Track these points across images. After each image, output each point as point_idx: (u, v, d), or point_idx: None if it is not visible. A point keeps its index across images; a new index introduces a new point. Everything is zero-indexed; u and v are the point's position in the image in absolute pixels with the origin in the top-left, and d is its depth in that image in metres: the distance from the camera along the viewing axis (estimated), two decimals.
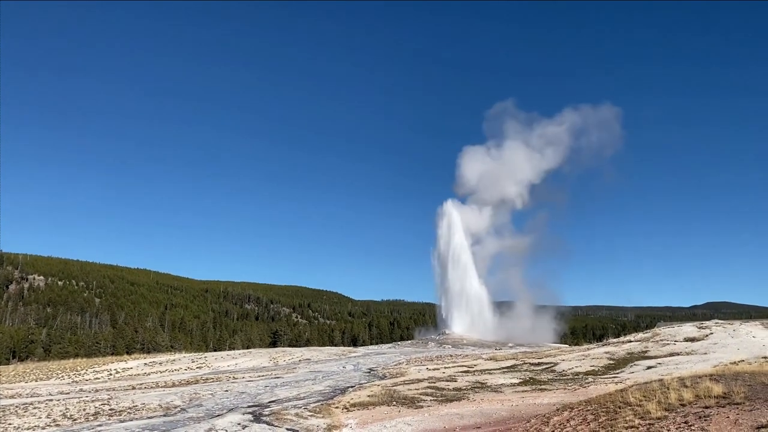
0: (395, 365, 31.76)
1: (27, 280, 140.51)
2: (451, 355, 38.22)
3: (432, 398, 18.02)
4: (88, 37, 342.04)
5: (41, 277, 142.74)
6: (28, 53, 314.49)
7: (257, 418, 15.57)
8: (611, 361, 26.80)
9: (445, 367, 28.69)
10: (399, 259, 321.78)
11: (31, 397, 24.01)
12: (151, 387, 26.29)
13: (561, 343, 62.03)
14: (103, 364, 44.40)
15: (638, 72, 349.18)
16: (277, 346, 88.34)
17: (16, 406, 19.39)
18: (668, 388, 10.10)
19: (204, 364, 39.67)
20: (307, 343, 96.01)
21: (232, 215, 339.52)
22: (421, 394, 18.81)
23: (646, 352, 28.34)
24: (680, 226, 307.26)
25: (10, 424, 15.97)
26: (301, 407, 17.12)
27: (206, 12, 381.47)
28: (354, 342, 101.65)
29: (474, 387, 20.67)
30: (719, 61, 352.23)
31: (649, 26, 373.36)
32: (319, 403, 17.79)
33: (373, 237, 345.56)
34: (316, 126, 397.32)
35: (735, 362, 21.31)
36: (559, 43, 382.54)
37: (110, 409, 18.18)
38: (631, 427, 8.73)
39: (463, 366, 29.02)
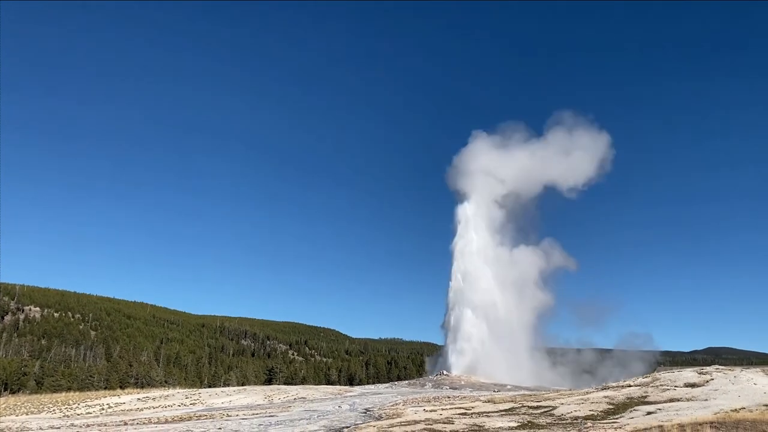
0: (392, 406, 31.33)
1: (23, 311, 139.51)
2: (448, 396, 37.74)
3: None
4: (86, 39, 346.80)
5: (37, 309, 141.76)
6: (27, 63, 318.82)
7: None
8: (610, 406, 26.43)
9: (443, 409, 28.30)
10: (397, 298, 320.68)
11: (21, 431, 23.67)
12: (144, 423, 25.92)
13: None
14: (96, 399, 43.78)
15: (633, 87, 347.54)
16: (272, 384, 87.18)
17: None
18: None
19: (198, 401, 39.15)
20: (303, 381, 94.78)
21: (230, 249, 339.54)
22: None
23: (645, 397, 27.98)
24: (680, 269, 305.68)
25: None
26: None
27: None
28: (350, 381, 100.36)
29: (471, 430, 20.37)
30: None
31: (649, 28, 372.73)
32: None
33: (372, 274, 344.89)
34: (312, 158, 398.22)
35: (736, 409, 21.08)
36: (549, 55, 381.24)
37: None
38: None
39: (460, 408, 28.62)
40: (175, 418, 27.45)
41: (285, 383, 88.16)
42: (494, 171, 73.04)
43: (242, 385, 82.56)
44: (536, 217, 77.07)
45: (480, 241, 70.38)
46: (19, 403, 43.52)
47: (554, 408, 26.85)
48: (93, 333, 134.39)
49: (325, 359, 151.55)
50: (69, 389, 71.78)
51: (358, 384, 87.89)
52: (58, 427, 24.78)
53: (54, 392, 66.19)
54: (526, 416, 24.37)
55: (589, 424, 20.65)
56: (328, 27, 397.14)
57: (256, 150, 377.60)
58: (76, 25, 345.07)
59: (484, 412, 26.37)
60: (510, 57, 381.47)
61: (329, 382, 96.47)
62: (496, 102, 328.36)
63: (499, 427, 20.94)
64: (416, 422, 22.48)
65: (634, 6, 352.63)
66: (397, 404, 32.24)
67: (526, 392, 41.53)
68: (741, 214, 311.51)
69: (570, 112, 79.35)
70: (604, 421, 22.07)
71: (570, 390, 41.81)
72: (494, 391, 43.74)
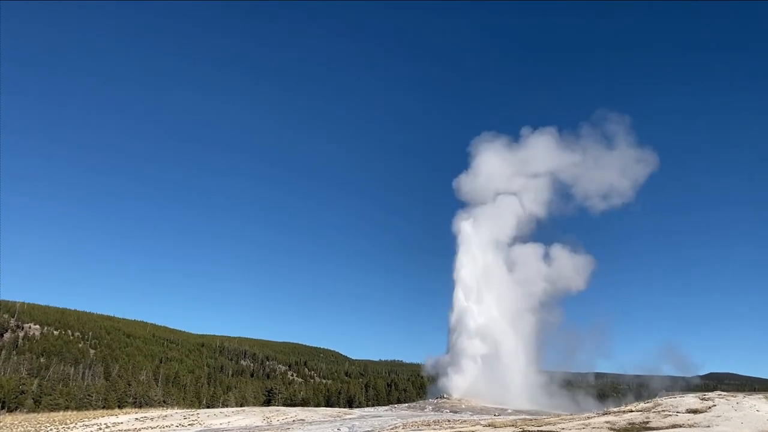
0: (391, 428, 31.08)
1: (23, 328, 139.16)
2: (448, 420, 37.39)
3: None
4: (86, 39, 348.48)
5: (37, 326, 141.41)
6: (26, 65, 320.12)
7: None
8: (611, 431, 26.20)
9: None
10: (398, 319, 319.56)
11: None
12: None
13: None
14: (93, 418, 43.50)
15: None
16: (271, 405, 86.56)
17: None
18: None
19: (196, 421, 38.86)
20: (303, 403, 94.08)
21: (230, 268, 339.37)
22: None
23: (647, 422, 27.73)
24: (683, 293, 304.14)
25: None
26: None
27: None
28: (350, 403, 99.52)
29: None
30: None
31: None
32: None
33: (372, 295, 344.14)
34: (313, 178, 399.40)
35: None
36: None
37: None
38: None
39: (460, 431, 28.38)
40: None
41: (284, 404, 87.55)
42: (504, 183, 70.02)
43: (241, 405, 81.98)
44: (546, 234, 73.14)
45: (483, 262, 67.98)
46: (16, 422, 43.26)
47: None
48: (92, 351, 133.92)
49: (324, 380, 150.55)
50: (67, 408, 71.33)
51: (358, 406, 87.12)
52: None
53: (52, 411, 65.78)
54: None
55: None
56: (330, 28, 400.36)
57: (256, 166, 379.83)
58: (77, 25, 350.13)
59: None
60: (518, 57, 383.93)
61: (328, 404, 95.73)
62: (504, 105, 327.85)
63: None
64: None
65: (653, 5, 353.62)
66: (396, 427, 31.96)
67: (527, 416, 41.17)
68: (744, 231, 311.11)
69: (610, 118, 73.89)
70: None
71: (571, 415, 41.46)
72: (495, 415, 43.36)
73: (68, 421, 41.63)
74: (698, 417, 27.85)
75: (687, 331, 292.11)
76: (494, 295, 67.20)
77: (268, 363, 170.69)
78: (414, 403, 60.58)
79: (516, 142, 72.65)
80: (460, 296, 66.53)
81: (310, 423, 36.42)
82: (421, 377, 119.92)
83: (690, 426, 25.91)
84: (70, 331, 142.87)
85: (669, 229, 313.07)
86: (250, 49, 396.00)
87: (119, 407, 68.86)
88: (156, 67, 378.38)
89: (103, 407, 72.84)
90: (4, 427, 39.17)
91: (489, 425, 31.53)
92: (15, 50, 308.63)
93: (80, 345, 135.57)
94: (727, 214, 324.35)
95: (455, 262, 67.95)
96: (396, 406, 61.24)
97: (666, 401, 34.04)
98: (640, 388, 69.91)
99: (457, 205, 70.84)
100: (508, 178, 70.82)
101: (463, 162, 72.40)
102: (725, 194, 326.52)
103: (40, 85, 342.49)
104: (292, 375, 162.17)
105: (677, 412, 29.54)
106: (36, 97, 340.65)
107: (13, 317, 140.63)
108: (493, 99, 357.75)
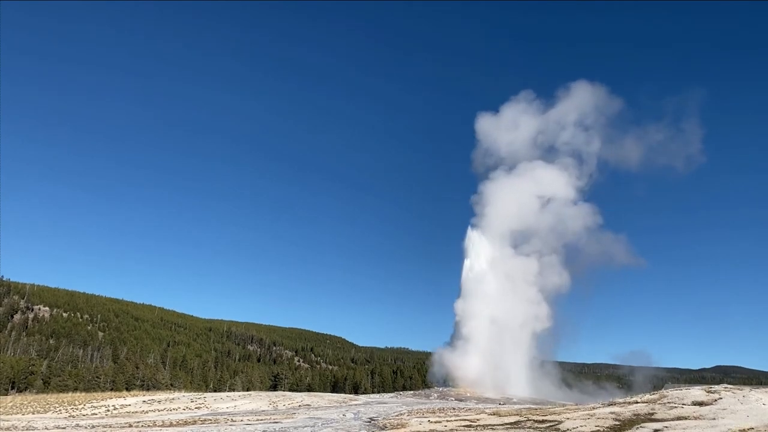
0: (396, 415, 31.22)
1: (32, 310, 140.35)
2: (453, 408, 37.53)
3: None
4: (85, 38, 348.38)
5: (46, 308, 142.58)
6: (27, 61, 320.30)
7: None
8: (617, 422, 26.18)
9: (447, 420, 28.16)
10: (405, 306, 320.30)
11: (27, 430, 23.79)
12: (148, 426, 25.97)
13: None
14: (102, 400, 43.97)
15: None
16: (277, 390, 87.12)
17: None
18: None
19: (203, 405, 39.19)
20: (308, 388, 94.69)
21: (238, 254, 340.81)
22: None
23: (653, 414, 27.70)
24: (689, 285, 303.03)
25: None
26: None
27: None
28: (355, 389, 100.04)
29: None
30: None
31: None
32: None
33: (379, 282, 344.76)
34: (321, 164, 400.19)
35: (744, 429, 20.85)
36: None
37: None
38: None
39: (465, 420, 28.47)
40: (180, 422, 27.49)
41: (290, 390, 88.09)
42: (527, 157, 69.46)
43: (247, 390, 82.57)
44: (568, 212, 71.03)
45: (492, 252, 67.08)
46: (25, 402, 43.79)
47: (560, 423, 26.65)
48: (101, 334, 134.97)
49: (330, 367, 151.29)
50: (75, 389, 72.13)
51: (363, 393, 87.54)
52: (64, 428, 24.89)
53: (60, 392, 66.52)
54: (532, 430, 24.21)
55: None
56: (332, 27, 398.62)
57: (265, 155, 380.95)
58: (82, 23, 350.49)
59: (489, 425, 26.21)
60: (528, 56, 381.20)
61: (334, 390, 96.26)
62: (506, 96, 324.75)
63: None
64: None
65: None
66: (401, 414, 32.11)
67: (532, 406, 41.25)
68: (753, 228, 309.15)
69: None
70: None
71: (576, 405, 41.48)
72: (500, 404, 43.49)
73: (77, 402, 42.10)
74: (704, 409, 27.78)
75: (694, 324, 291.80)
76: (501, 287, 66.36)
77: (274, 348, 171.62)
78: (419, 391, 60.82)
79: (544, 105, 72.57)
80: (466, 287, 66.14)
81: (316, 408, 36.64)
82: (427, 366, 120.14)
83: (695, 418, 25.84)
84: (79, 314, 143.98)
85: (668, 220, 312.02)
86: (265, 47, 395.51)
87: (127, 390, 69.56)
88: (163, 65, 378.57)
89: (111, 389, 73.60)
90: (14, 407, 39.65)
91: (494, 414, 31.61)
92: (19, 44, 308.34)
93: (89, 327, 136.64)
94: (737, 213, 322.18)
95: (464, 253, 67.45)
96: (401, 393, 61.48)
97: (672, 393, 33.96)
98: (646, 380, 69.72)
99: (468, 190, 70.49)
100: (529, 152, 70.33)
101: (468, 151, 71.78)
102: (752, 193, 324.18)
103: (47, 78, 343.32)
104: (298, 361, 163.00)
105: (683, 404, 29.47)
106: (45, 89, 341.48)
107: (23, 299, 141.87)
108: (496, 93, 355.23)
